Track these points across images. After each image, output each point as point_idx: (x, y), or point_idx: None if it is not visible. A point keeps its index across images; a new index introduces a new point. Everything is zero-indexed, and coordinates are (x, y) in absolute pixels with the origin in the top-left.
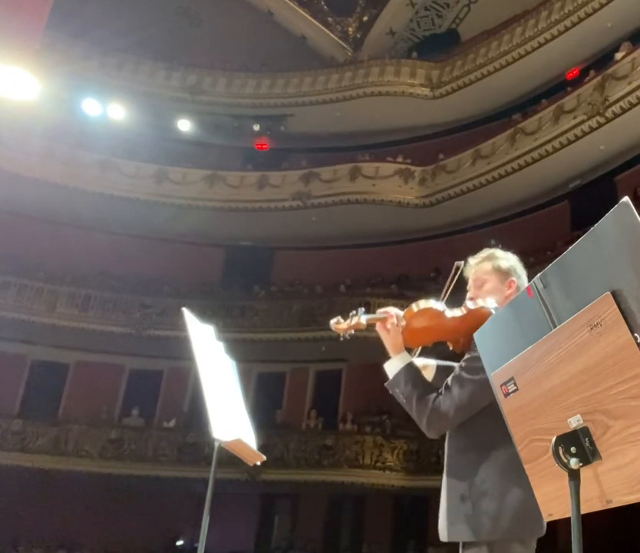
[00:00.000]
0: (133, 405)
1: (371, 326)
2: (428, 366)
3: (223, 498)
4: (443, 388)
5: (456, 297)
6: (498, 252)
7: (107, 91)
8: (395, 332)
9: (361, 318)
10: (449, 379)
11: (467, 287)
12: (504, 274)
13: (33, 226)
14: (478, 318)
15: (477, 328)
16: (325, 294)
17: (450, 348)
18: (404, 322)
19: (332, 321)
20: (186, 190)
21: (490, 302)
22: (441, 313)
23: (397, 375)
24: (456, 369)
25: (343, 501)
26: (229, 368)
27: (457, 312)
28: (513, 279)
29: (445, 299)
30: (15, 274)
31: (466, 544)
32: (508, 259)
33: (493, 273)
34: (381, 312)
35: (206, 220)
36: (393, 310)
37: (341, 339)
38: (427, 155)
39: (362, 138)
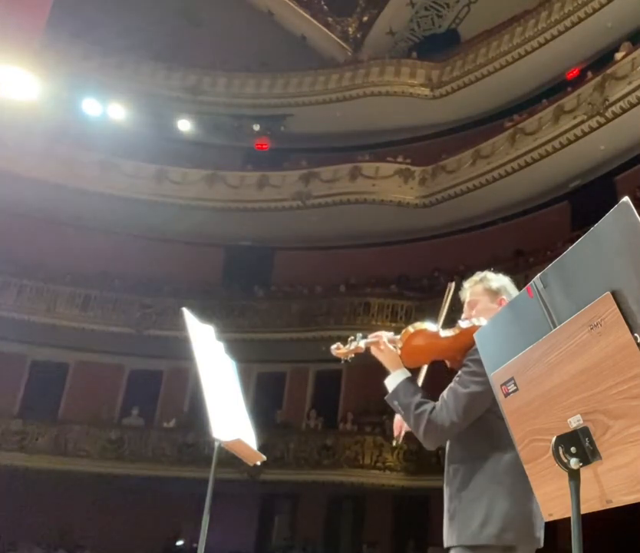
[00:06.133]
0: (133, 405)
1: (368, 350)
2: None
3: (223, 498)
4: (439, 400)
5: (453, 316)
6: (490, 274)
7: (107, 91)
8: (389, 351)
9: (360, 342)
10: (444, 392)
11: (463, 309)
12: (494, 294)
13: (33, 226)
14: (470, 336)
15: (470, 345)
16: (325, 294)
17: (448, 365)
18: (400, 344)
19: (333, 347)
20: (186, 190)
21: (482, 321)
22: (435, 333)
23: (395, 389)
24: (452, 383)
25: (343, 501)
26: (229, 368)
27: (450, 332)
28: (503, 297)
29: (443, 317)
30: (15, 274)
31: (457, 549)
32: (499, 280)
33: (484, 293)
34: (372, 336)
35: (206, 220)
36: (382, 333)
37: (342, 362)
38: (427, 155)
39: (362, 138)
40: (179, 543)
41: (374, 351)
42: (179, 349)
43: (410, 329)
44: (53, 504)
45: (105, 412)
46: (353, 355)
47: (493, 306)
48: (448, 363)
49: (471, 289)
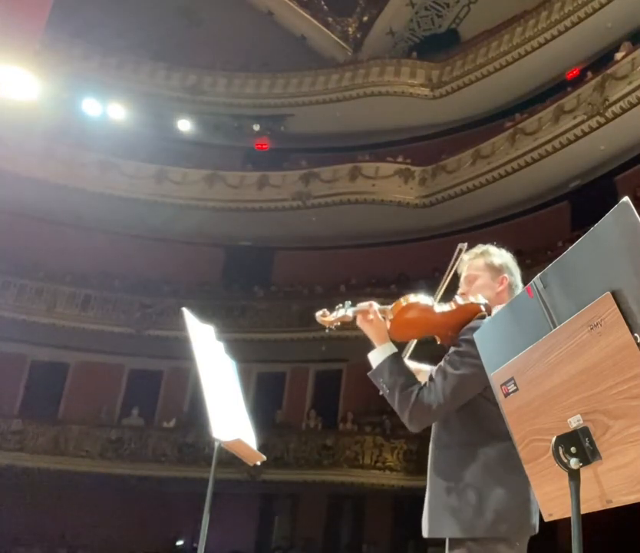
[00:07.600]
0: (133, 405)
1: (355, 320)
2: (422, 371)
3: (223, 498)
4: (427, 380)
5: (449, 294)
6: (492, 248)
7: (107, 91)
8: (378, 322)
9: (348, 311)
10: (433, 372)
11: (459, 283)
12: (496, 271)
13: (33, 226)
14: (467, 313)
15: (466, 323)
16: (325, 294)
17: (438, 342)
18: (391, 316)
19: (318, 313)
20: (186, 190)
21: (481, 299)
22: (429, 307)
23: (380, 365)
24: (442, 362)
25: (343, 501)
26: (229, 368)
27: (446, 307)
28: (505, 276)
29: (446, 281)
30: (15, 274)
31: (450, 542)
32: (501, 256)
33: (485, 269)
34: (362, 304)
35: (206, 220)
36: (373, 302)
37: (327, 330)
38: (427, 155)
39: (362, 138)
40: (179, 543)
41: (359, 321)
42: (179, 349)
43: (403, 301)
44: (53, 504)
45: (105, 412)
46: (339, 324)
47: (493, 284)
48: (438, 340)
49: (471, 262)
